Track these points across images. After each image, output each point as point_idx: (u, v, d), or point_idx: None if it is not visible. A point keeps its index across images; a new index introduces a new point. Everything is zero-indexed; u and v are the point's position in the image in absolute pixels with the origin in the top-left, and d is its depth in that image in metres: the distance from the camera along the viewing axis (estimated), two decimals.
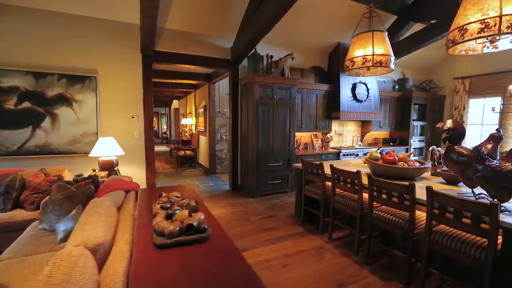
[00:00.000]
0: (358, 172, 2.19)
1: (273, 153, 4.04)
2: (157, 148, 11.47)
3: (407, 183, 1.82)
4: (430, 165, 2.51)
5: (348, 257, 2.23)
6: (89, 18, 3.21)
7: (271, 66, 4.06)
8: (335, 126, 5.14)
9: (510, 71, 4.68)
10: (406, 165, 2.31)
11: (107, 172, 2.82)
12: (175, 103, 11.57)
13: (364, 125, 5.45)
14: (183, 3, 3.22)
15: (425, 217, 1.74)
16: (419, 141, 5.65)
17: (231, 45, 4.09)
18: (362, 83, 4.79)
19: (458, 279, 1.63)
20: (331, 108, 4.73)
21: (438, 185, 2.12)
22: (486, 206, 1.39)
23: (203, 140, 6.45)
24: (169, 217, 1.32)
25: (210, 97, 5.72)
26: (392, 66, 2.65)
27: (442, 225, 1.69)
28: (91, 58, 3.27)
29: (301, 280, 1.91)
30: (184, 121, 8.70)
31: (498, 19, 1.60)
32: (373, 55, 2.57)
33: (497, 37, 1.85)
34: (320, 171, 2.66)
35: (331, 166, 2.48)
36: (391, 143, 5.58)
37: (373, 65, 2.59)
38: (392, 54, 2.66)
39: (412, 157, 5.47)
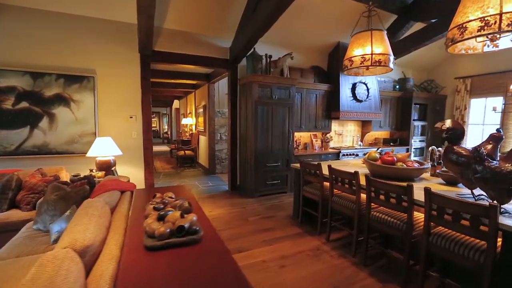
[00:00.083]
0: (356, 173, 2.16)
1: (272, 153, 4.01)
2: (158, 148, 11.49)
3: (405, 184, 1.79)
4: (430, 166, 2.47)
5: (346, 258, 2.20)
6: (87, 18, 3.21)
7: (270, 66, 4.03)
8: (335, 126, 5.10)
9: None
10: (404, 165, 2.28)
11: (104, 172, 2.81)
12: (175, 103, 11.57)
13: (364, 125, 5.41)
14: (181, 2, 3.20)
15: (423, 219, 1.70)
16: (420, 141, 5.60)
17: (230, 45, 4.07)
18: (362, 83, 4.75)
19: (458, 282, 1.60)
20: (331, 108, 4.69)
21: (437, 186, 2.09)
22: (485, 208, 1.35)
23: (203, 140, 6.44)
24: (161, 218, 1.30)
25: (210, 97, 5.70)
26: (391, 65, 2.61)
27: (440, 227, 1.66)
28: (89, 58, 3.26)
29: (298, 281, 1.88)
30: (184, 121, 8.69)
31: (498, 17, 1.57)
32: (372, 54, 2.54)
33: (498, 36, 1.82)
34: (318, 172, 2.63)
35: (329, 166, 2.45)
36: (391, 143, 5.53)
37: (372, 64, 2.56)
38: (391, 53, 2.62)
39: (412, 158, 5.44)
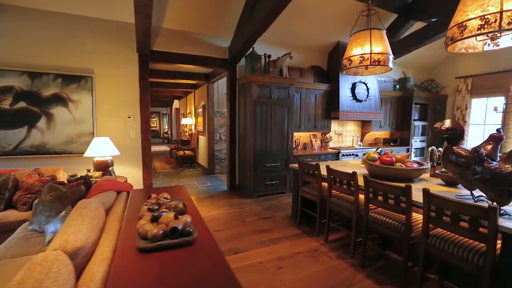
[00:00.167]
0: (354, 173, 2.14)
1: (271, 153, 3.99)
2: (158, 148, 11.50)
3: (403, 184, 1.76)
4: (429, 166, 2.45)
5: (344, 259, 2.18)
6: (85, 18, 3.20)
7: (269, 66, 4.01)
8: (334, 126, 5.07)
9: None
10: (403, 166, 2.25)
11: (101, 172, 2.80)
12: (175, 103, 11.57)
13: (364, 125, 5.38)
14: (179, 2, 3.19)
15: (422, 220, 1.68)
16: (420, 141, 5.57)
17: (229, 45, 4.06)
18: (362, 82, 4.72)
19: (456, 284, 1.58)
20: (330, 108, 4.67)
21: (437, 186, 2.06)
22: (484, 209, 1.33)
23: (202, 140, 6.43)
24: (154, 219, 1.29)
25: (209, 97, 5.69)
26: (390, 65, 2.59)
27: (439, 228, 1.64)
28: (87, 58, 3.25)
29: (294, 283, 1.86)
30: (184, 121, 8.69)
31: (498, 15, 1.54)
32: (371, 53, 2.52)
33: (498, 34, 1.79)
34: (316, 172, 2.61)
35: (327, 167, 2.43)
36: (391, 143, 5.50)
37: (371, 63, 2.53)
38: (391, 52, 2.60)
39: (413, 158, 5.41)
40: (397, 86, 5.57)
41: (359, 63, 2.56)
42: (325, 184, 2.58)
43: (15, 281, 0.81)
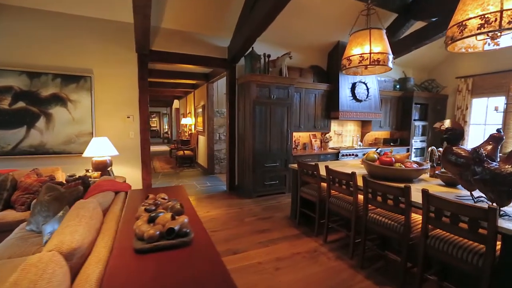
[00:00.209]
0: (353, 174, 2.13)
1: (270, 153, 3.99)
2: (158, 148, 11.50)
3: (402, 185, 1.75)
4: (429, 167, 2.43)
5: (343, 260, 2.17)
6: (84, 18, 3.19)
7: (268, 66, 4.00)
8: (334, 126, 5.06)
9: None
10: (403, 166, 2.24)
11: (100, 172, 2.79)
12: (176, 103, 11.57)
13: (364, 125, 5.37)
14: (178, 2, 3.18)
15: (421, 221, 1.67)
16: (420, 141, 5.55)
17: (228, 44, 4.05)
18: (362, 82, 4.71)
19: (456, 285, 1.57)
20: (330, 108, 4.66)
21: (436, 187, 2.05)
22: (484, 210, 1.32)
23: (202, 140, 6.42)
24: (151, 220, 1.28)
25: (209, 97, 5.68)
26: (390, 64, 2.57)
27: (438, 229, 1.63)
28: (86, 58, 3.25)
29: (293, 284, 1.86)
30: (183, 121, 8.68)
31: (498, 14, 1.53)
32: (370, 53, 2.51)
33: (498, 34, 1.78)
34: (315, 172, 2.60)
35: (326, 167, 2.42)
36: (391, 143, 5.49)
37: (370, 63, 2.52)
38: (390, 52, 2.58)
39: (413, 158, 5.39)
40: (397, 86, 5.56)
41: (359, 62, 2.55)
42: (324, 185, 2.57)
43: (9, 283, 0.80)
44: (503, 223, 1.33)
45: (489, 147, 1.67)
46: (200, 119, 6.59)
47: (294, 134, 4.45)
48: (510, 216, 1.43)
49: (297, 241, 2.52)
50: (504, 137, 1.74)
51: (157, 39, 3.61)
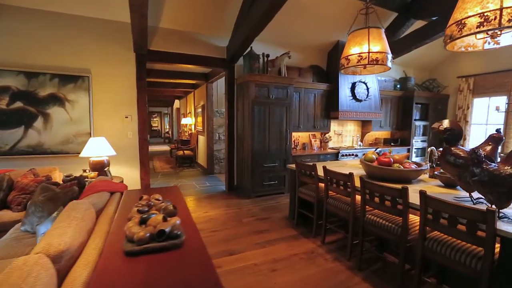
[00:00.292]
0: (351, 174, 2.10)
1: (269, 153, 3.96)
2: (159, 148, 11.51)
3: (400, 186, 1.72)
4: (428, 167, 2.40)
5: (341, 262, 2.15)
6: (82, 18, 3.18)
7: (267, 65, 3.98)
8: (334, 126, 5.03)
9: None
10: (401, 167, 2.21)
11: (97, 172, 2.78)
12: (176, 103, 11.58)
13: (364, 125, 5.33)
14: (176, 1, 3.16)
15: (419, 222, 1.64)
16: (421, 141, 5.50)
17: (227, 44, 4.03)
18: (361, 82, 4.67)
19: None
20: (330, 108, 4.63)
21: (435, 188, 2.02)
22: (482, 212, 1.29)
23: (202, 140, 6.41)
24: (143, 221, 1.26)
25: (208, 97, 5.67)
26: (389, 64, 2.54)
27: (436, 231, 1.60)
28: (84, 58, 3.24)
29: (288, 286, 1.83)
30: (183, 120, 8.68)
31: (498, 12, 1.49)
32: (369, 52, 2.47)
33: (498, 32, 1.74)
34: (313, 173, 2.58)
35: (324, 167, 2.39)
36: (392, 144, 5.45)
37: (369, 63, 2.49)
38: (389, 51, 2.55)
39: (414, 158, 5.34)
40: (398, 86, 5.51)
41: (357, 62, 2.52)
42: (322, 185, 2.55)
43: None
44: (502, 226, 1.30)
45: (488, 148, 1.64)
46: (200, 119, 6.58)
47: (294, 134, 4.43)
48: (509, 218, 1.40)
49: (294, 242, 2.50)
50: (503, 138, 1.70)
51: (155, 39, 3.60)
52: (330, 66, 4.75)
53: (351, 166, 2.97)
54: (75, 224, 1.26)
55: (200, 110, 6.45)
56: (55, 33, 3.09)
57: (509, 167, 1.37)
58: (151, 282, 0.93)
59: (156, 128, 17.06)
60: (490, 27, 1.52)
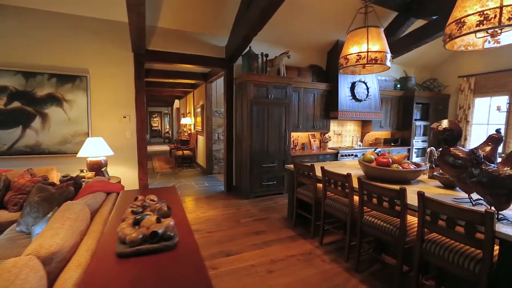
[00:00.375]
0: (348, 175, 2.08)
1: (268, 153, 3.94)
2: (159, 148, 11.51)
3: (398, 187, 1.70)
4: (428, 168, 2.38)
5: (338, 263, 2.13)
6: (79, 17, 3.18)
7: (266, 65, 3.96)
8: (334, 126, 5.00)
9: None
10: (400, 167, 2.19)
11: (94, 173, 2.78)
12: (176, 103, 11.58)
13: (364, 125, 5.30)
14: (174, 0, 3.15)
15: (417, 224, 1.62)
16: (422, 141, 5.47)
17: (226, 44, 4.01)
18: (361, 82, 4.64)
19: None
20: (329, 108, 4.60)
21: (434, 189, 2.00)
22: (481, 214, 1.27)
23: (201, 140, 6.40)
24: (136, 223, 1.25)
25: (207, 97, 5.66)
26: (388, 63, 2.52)
27: (435, 233, 1.57)
28: (82, 58, 3.24)
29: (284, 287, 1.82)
30: (183, 120, 8.67)
31: (498, 10, 1.47)
32: (367, 52, 2.45)
33: (498, 31, 1.72)
34: (311, 173, 2.56)
35: (322, 168, 2.37)
36: (392, 144, 5.41)
37: (368, 62, 2.47)
38: (388, 51, 2.53)
39: (414, 158, 5.30)
40: (398, 86, 5.48)
41: (356, 61, 2.50)
42: (320, 186, 2.53)
43: None
44: (501, 228, 1.27)
45: (487, 149, 1.61)
46: (199, 119, 6.56)
47: (293, 134, 4.41)
48: (508, 220, 1.37)
49: (292, 243, 2.48)
50: (503, 138, 1.68)
51: (154, 38, 3.58)
52: (329, 66, 4.73)
53: (350, 167, 2.94)
54: (68, 225, 1.25)
55: (199, 110, 6.44)
56: (52, 32, 3.08)
57: (508, 168, 1.34)
58: (141, 284, 0.91)
59: (156, 128, 17.07)
60: (490, 26, 1.49)
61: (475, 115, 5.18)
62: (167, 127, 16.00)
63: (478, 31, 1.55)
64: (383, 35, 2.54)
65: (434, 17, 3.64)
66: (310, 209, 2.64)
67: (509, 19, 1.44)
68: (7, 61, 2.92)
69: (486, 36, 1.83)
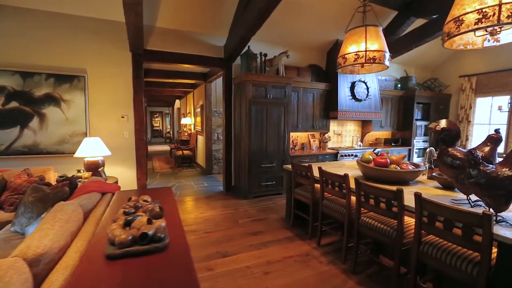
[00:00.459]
0: (346, 176, 2.06)
1: (266, 153, 3.92)
2: (159, 148, 11.53)
3: (395, 188, 1.68)
4: (427, 168, 2.35)
5: (335, 265, 2.10)
6: (77, 17, 3.18)
7: (265, 65, 3.94)
8: (333, 126, 4.97)
9: None
10: (398, 168, 2.16)
11: (91, 173, 2.77)
12: (177, 103, 11.59)
13: (364, 125, 5.27)
14: (172, 0, 3.14)
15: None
16: (423, 141, 5.42)
17: (224, 43, 4.00)
18: (361, 81, 4.61)
19: None
20: (329, 108, 4.57)
21: (433, 190, 1.97)
22: (478, 216, 1.24)
23: (201, 140, 6.39)
24: (127, 224, 1.23)
25: (207, 97, 5.65)
26: (386, 62, 2.49)
27: (432, 235, 1.55)
28: (80, 57, 3.23)
29: None
30: (183, 120, 8.67)
31: (497, 8, 1.44)
32: (366, 51, 2.42)
33: (498, 29, 1.69)
34: (309, 174, 2.53)
35: (319, 168, 2.35)
36: (393, 144, 5.37)
37: (366, 61, 2.44)
38: (387, 50, 2.50)
39: (415, 158, 5.25)
40: (399, 85, 5.43)
41: (354, 61, 2.47)
42: (318, 186, 2.50)
43: None
44: (499, 230, 1.24)
45: (486, 149, 1.58)
46: (199, 119, 6.56)
47: (292, 134, 4.38)
48: (507, 222, 1.34)
49: (289, 244, 2.46)
50: (502, 138, 1.65)
51: (152, 38, 3.58)
52: (329, 66, 4.70)
53: (349, 167, 2.92)
54: (58, 226, 1.23)
55: (199, 110, 6.43)
56: (51, 33, 3.08)
57: (507, 169, 1.31)
58: (128, 285, 0.90)
59: (157, 128, 17.10)
60: (488, 24, 1.47)
61: (476, 115, 5.13)
62: (168, 127, 16.02)
63: (477, 29, 1.53)
64: (381, 34, 2.51)
65: (435, 16, 3.60)
66: (308, 210, 2.62)
67: (508, 17, 1.41)
68: (5, 61, 2.92)
69: (486, 34, 1.80)
